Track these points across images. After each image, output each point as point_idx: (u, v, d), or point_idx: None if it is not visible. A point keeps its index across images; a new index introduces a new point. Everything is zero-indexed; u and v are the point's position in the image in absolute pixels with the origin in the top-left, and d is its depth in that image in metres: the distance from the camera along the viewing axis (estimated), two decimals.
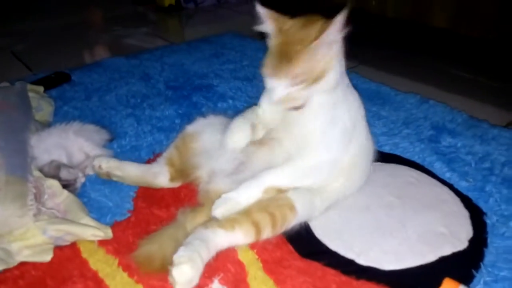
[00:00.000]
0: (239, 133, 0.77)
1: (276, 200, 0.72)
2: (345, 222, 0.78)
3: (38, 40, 1.90)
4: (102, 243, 0.74)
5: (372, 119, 1.13)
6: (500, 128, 1.07)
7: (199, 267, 0.64)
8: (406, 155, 0.98)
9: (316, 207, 0.77)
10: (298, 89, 0.69)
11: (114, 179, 0.89)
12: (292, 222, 0.73)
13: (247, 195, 0.73)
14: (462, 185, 0.87)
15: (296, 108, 0.73)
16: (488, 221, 0.78)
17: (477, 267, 0.69)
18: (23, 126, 0.93)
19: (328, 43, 0.67)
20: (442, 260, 0.70)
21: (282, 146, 0.77)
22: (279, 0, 0.94)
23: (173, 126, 1.11)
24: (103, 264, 0.70)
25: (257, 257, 0.71)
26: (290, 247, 0.73)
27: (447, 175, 0.90)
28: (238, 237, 0.69)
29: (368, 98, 1.23)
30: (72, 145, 0.92)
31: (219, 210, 0.71)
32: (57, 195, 0.78)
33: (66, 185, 0.82)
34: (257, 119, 0.80)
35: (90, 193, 0.86)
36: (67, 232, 0.72)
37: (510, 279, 0.67)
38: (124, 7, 2.45)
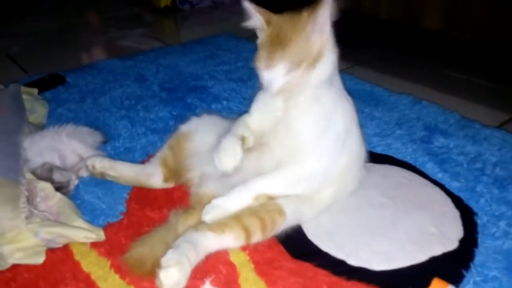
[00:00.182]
0: (229, 155, 0.73)
1: (265, 205, 0.73)
2: (337, 223, 0.79)
3: (34, 42, 1.90)
4: (95, 245, 0.74)
5: (365, 120, 1.13)
6: (492, 129, 1.07)
7: (187, 270, 0.64)
8: (399, 156, 0.98)
9: (306, 213, 0.77)
10: (296, 75, 0.69)
11: (108, 178, 0.89)
12: (281, 226, 0.73)
13: (237, 201, 0.73)
14: (453, 186, 0.88)
15: (295, 99, 0.73)
16: (478, 221, 0.79)
17: (467, 267, 0.69)
18: (17, 128, 0.93)
19: (320, 25, 0.68)
20: (433, 260, 0.70)
21: (273, 152, 0.77)
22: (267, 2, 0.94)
23: (167, 128, 1.11)
24: (95, 266, 0.70)
25: (248, 258, 0.71)
26: (282, 248, 0.73)
27: (438, 176, 0.91)
28: (228, 241, 0.70)
29: (362, 99, 1.24)
30: (65, 147, 0.92)
31: (209, 216, 0.71)
32: (49, 198, 0.78)
33: (59, 188, 0.82)
34: (248, 130, 0.78)
35: (83, 195, 0.87)
36: (59, 235, 0.72)
37: (500, 279, 0.67)
38: (120, 8, 2.45)
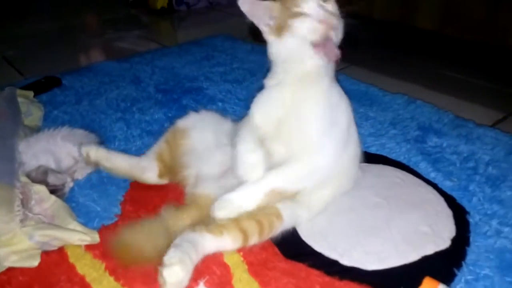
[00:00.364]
0: (255, 169, 0.74)
1: (264, 209, 0.73)
2: (330, 223, 0.79)
3: (30, 44, 1.90)
4: (89, 247, 0.74)
5: (360, 120, 1.14)
6: (485, 128, 1.08)
7: (189, 269, 0.64)
8: (393, 156, 0.99)
9: (303, 216, 0.77)
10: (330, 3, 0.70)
11: (102, 168, 0.88)
12: (278, 229, 0.74)
13: (248, 196, 0.72)
14: (446, 185, 0.88)
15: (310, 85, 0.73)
16: (471, 220, 0.79)
17: (459, 266, 0.70)
18: (12, 132, 0.94)
19: None
20: (425, 260, 0.71)
21: (273, 153, 0.76)
22: None
23: (163, 130, 1.09)
24: (90, 268, 0.71)
25: (242, 259, 0.72)
26: (275, 249, 0.74)
27: (432, 175, 0.91)
28: (226, 243, 0.70)
29: (357, 99, 1.24)
30: (61, 150, 0.93)
31: (221, 212, 0.71)
32: (44, 201, 0.78)
33: (54, 190, 0.82)
34: (256, 132, 0.77)
35: (78, 197, 0.87)
36: (54, 237, 0.72)
37: (491, 277, 0.68)
38: (117, 9, 2.45)
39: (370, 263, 0.70)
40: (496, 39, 1.26)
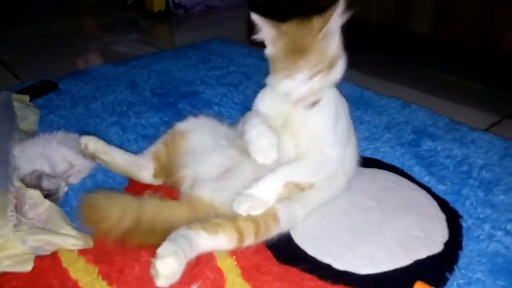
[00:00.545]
0: (271, 151, 0.74)
1: None
2: (323, 227, 0.79)
3: (27, 48, 1.90)
4: (83, 252, 0.74)
5: (355, 124, 1.12)
6: (479, 132, 1.08)
7: (182, 263, 0.64)
8: (387, 160, 0.99)
9: (298, 217, 0.78)
10: (316, 80, 0.72)
11: (98, 161, 0.88)
12: (274, 231, 0.74)
13: (269, 189, 0.73)
14: (439, 189, 0.89)
15: (313, 104, 0.75)
16: (464, 224, 0.80)
17: (451, 270, 0.70)
18: (7, 136, 0.94)
19: (334, 30, 0.71)
20: (417, 264, 0.71)
21: (283, 145, 0.77)
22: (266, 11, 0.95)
23: (158, 134, 1.10)
24: (83, 273, 0.71)
25: (235, 263, 0.72)
26: (269, 253, 0.74)
27: (425, 179, 0.92)
28: (221, 242, 0.70)
29: (352, 103, 1.22)
30: (56, 154, 0.93)
31: (243, 206, 0.71)
32: (38, 205, 0.78)
33: (48, 195, 0.82)
34: (265, 120, 0.78)
35: (72, 202, 0.87)
36: (47, 242, 0.72)
37: (483, 281, 0.68)
38: (114, 13, 2.46)
39: (363, 267, 0.70)
40: (491, 43, 1.27)
